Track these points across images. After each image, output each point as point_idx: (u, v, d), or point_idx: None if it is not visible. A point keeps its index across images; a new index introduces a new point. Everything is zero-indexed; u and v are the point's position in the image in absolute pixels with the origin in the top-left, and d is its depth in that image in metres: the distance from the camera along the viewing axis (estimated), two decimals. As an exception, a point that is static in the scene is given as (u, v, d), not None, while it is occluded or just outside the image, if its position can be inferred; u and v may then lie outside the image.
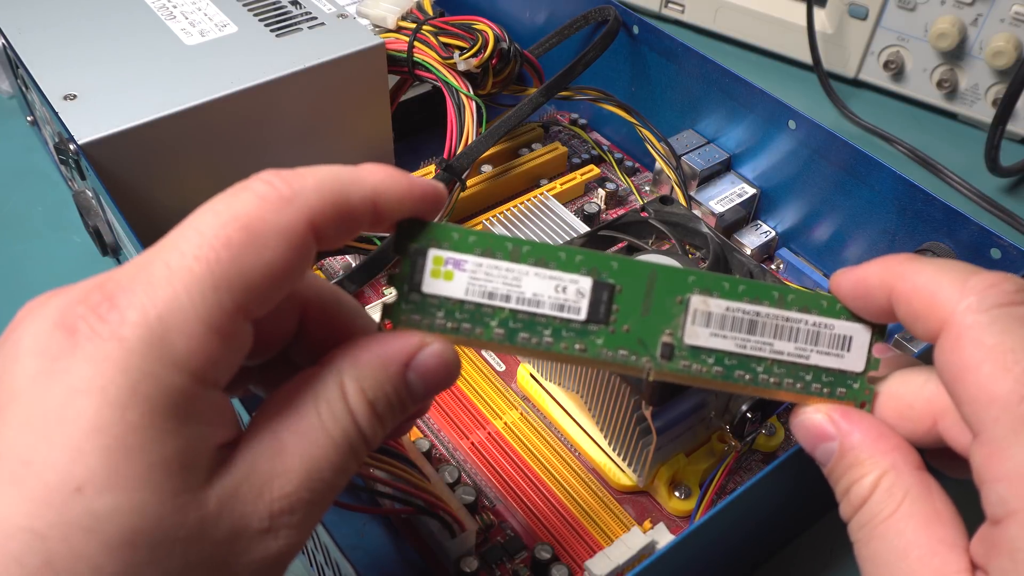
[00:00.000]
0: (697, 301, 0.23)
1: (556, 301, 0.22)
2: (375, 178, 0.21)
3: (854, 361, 0.23)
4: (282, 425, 0.20)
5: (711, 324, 0.23)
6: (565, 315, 0.22)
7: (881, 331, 0.24)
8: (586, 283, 0.22)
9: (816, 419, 0.23)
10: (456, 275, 0.22)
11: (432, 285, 0.22)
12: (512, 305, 0.22)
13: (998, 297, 0.20)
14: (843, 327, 0.23)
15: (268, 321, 0.21)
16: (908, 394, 0.23)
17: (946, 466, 0.24)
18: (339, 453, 0.20)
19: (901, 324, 0.22)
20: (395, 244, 0.22)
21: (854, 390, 0.23)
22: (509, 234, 0.47)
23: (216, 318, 0.18)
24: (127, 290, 0.18)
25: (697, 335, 0.22)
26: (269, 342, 0.23)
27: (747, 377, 0.23)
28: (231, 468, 0.19)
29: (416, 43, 0.47)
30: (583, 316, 0.22)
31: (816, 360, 0.23)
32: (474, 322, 0.22)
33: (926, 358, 0.33)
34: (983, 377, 0.20)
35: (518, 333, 0.22)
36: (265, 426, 0.20)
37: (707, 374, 0.23)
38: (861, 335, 0.23)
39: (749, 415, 0.37)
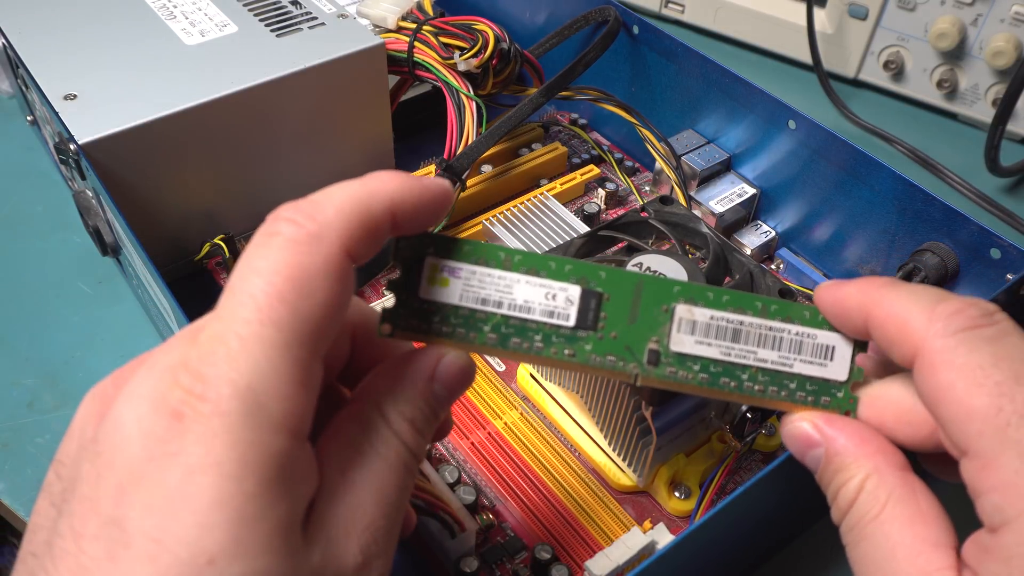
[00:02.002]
0: (682, 310, 0.23)
1: (546, 308, 0.23)
2: (389, 187, 0.22)
3: (837, 370, 0.24)
4: (347, 465, 0.21)
5: (696, 332, 0.23)
6: (555, 321, 0.23)
7: (863, 345, 0.24)
8: (575, 291, 0.23)
9: (802, 427, 0.24)
10: (451, 282, 0.23)
11: (428, 291, 0.23)
12: (504, 311, 0.23)
13: (964, 322, 0.21)
14: (825, 337, 0.24)
15: (328, 354, 0.22)
16: (908, 399, 0.23)
17: (945, 471, 0.24)
18: (397, 474, 0.22)
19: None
20: (394, 253, 0.23)
21: (838, 399, 0.24)
22: (509, 234, 0.47)
23: (298, 373, 0.19)
24: (212, 366, 0.19)
25: (682, 342, 0.23)
26: (330, 373, 0.25)
27: (732, 384, 0.24)
28: (321, 517, 0.20)
29: (416, 43, 0.47)
30: (572, 323, 0.23)
31: (800, 368, 0.24)
32: (468, 327, 0.23)
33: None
34: (959, 395, 0.20)
35: (510, 338, 0.23)
36: (332, 466, 0.21)
37: (693, 380, 0.23)
38: (843, 346, 0.24)
39: (749, 415, 0.37)
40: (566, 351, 0.23)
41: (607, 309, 0.23)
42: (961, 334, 0.21)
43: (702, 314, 0.23)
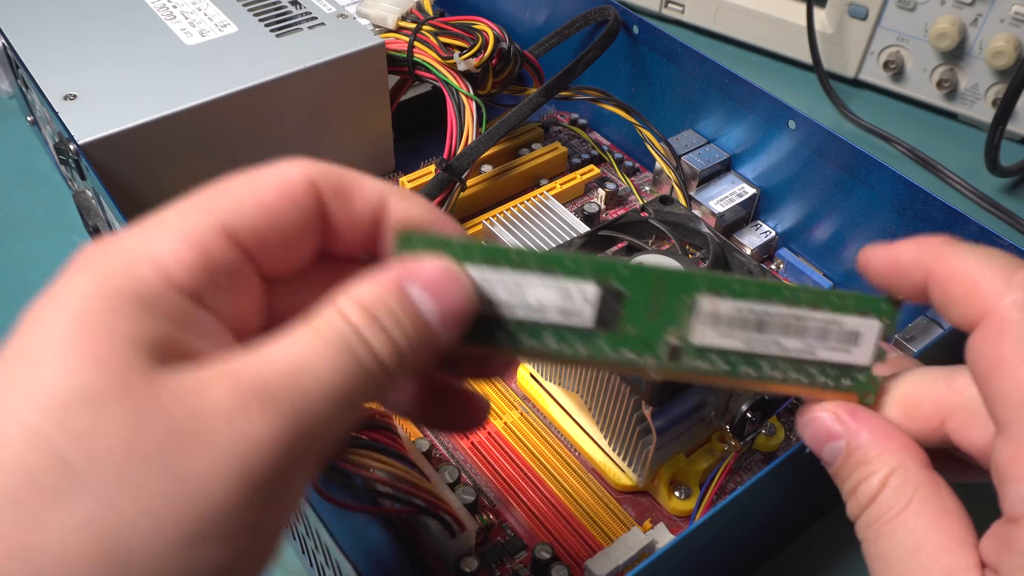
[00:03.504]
0: (705, 302, 0.22)
1: (561, 307, 0.22)
2: (380, 187, 0.22)
3: (861, 355, 0.23)
4: (270, 340, 0.19)
5: (719, 325, 0.22)
6: (570, 321, 0.22)
7: (893, 316, 0.23)
8: (592, 290, 0.22)
9: (823, 418, 0.23)
10: None
11: None
12: (517, 315, 0.22)
13: None
14: (853, 323, 0.23)
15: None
16: (916, 393, 0.23)
17: (946, 470, 0.24)
18: (333, 352, 0.18)
19: (932, 306, 0.22)
20: (396, 254, 0.22)
21: (860, 382, 0.23)
22: (509, 234, 0.47)
23: (192, 231, 0.19)
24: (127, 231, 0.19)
25: (705, 336, 0.22)
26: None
27: (752, 373, 0.23)
28: (203, 359, 0.18)
29: (416, 43, 0.47)
30: (590, 324, 0.22)
31: (823, 356, 0.23)
32: (478, 331, 0.22)
33: (926, 358, 0.33)
34: (1020, 375, 0.19)
35: (522, 340, 0.22)
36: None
37: (712, 371, 0.23)
38: (871, 329, 0.23)
39: (749, 415, 0.37)
40: (582, 351, 0.22)
41: (626, 306, 0.22)
42: None
43: (727, 306, 0.22)
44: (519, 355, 0.23)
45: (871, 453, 0.22)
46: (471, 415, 0.25)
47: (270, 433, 0.17)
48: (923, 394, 0.23)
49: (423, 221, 0.22)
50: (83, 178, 0.40)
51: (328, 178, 0.21)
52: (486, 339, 0.22)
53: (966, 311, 0.21)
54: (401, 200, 0.22)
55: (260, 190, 0.20)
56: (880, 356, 0.23)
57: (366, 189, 0.21)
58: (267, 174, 0.20)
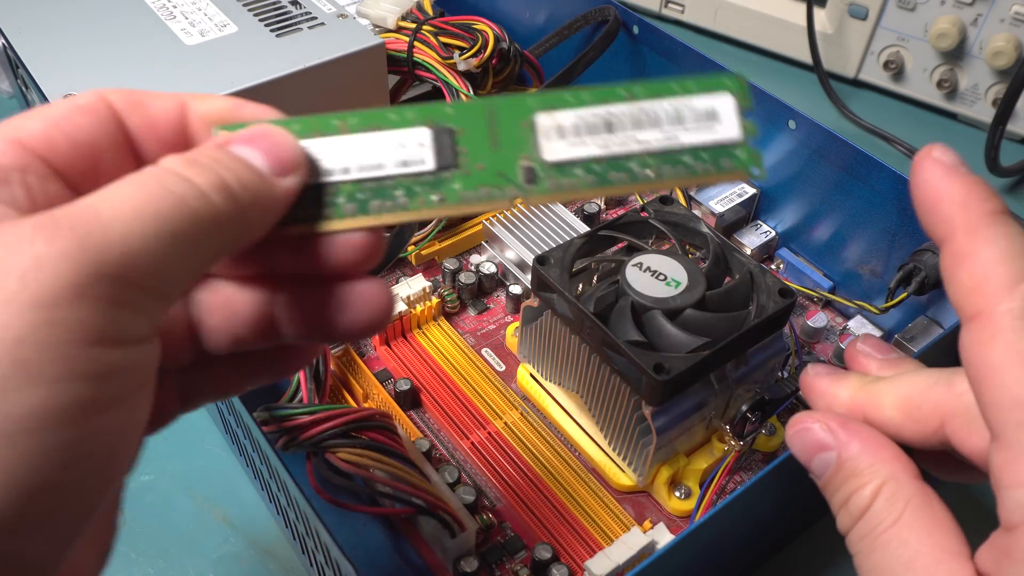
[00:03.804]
0: (544, 119, 0.22)
1: (398, 158, 0.21)
2: (178, 95, 0.21)
3: (728, 130, 0.22)
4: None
5: (566, 135, 0.22)
6: (412, 170, 0.21)
7: (743, 88, 0.22)
8: (424, 133, 0.21)
9: (813, 429, 0.23)
10: None
11: None
12: (353, 176, 0.21)
13: None
14: (703, 102, 0.22)
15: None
16: (916, 396, 0.23)
17: (944, 470, 0.24)
18: (139, 186, 0.18)
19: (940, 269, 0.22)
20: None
21: (740, 159, 0.22)
22: (509, 234, 0.47)
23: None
24: None
25: (555, 150, 0.22)
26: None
27: (623, 176, 0.22)
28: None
29: (416, 43, 0.47)
30: (432, 166, 0.21)
31: (688, 139, 0.22)
32: (320, 205, 0.21)
33: (926, 359, 0.33)
34: (1010, 380, 0.19)
35: (369, 202, 0.21)
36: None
37: (580, 184, 0.22)
38: (725, 103, 0.22)
39: (749, 415, 0.37)
40: (434, 197, 0.21)
41: (464, 143, 0.21)
42: None
43: (566, 117, 0.22)
44: (370, 220, 0.21)
45: (862, 464, 0.22)
46: (363, 309, 0.23)
47: (49, 252, 0.16)
48: (923, 397, 0.23)
49: (227, 111, 0.22)
50: (83, 178, 0.40)
51: (121, 94, 0.21)
52: (330, 210, 0.21)
53: (965, 301, 0.21)
54: (202, 100, 0.22)
55: (48, 107, 0.20)
56: (751, 129, 0.22)
57: (162, 97, 0.21)
58: (59, 100, 0.20)
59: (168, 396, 0.23)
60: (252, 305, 0.22)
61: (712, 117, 0.22)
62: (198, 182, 0.18)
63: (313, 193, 0.21)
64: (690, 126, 0.22)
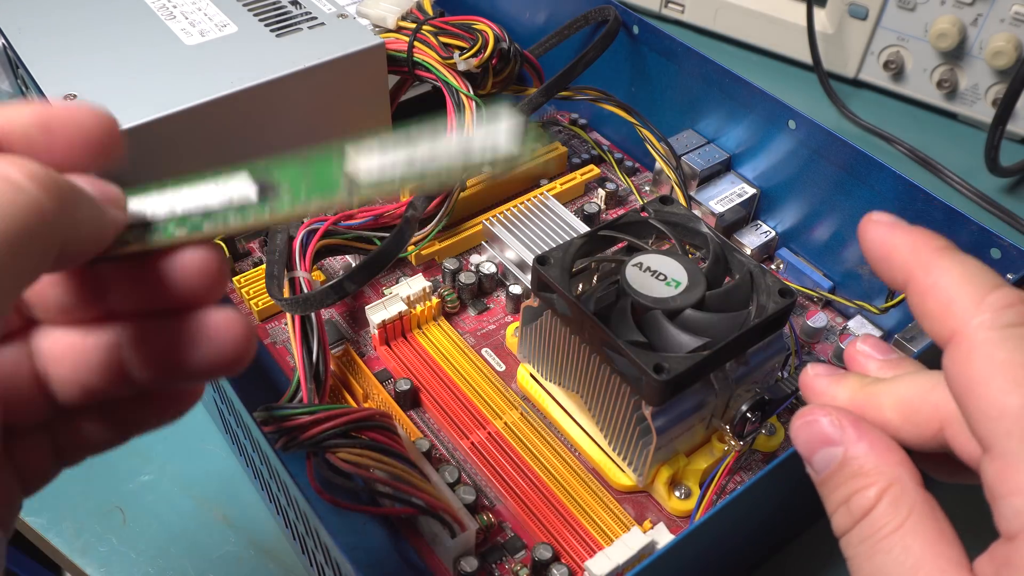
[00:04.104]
0: (356, 164, 0.22)
1: (223, 196, 0.21)
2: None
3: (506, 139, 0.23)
4: None
5: (380, 168, 0.22)
6: (238, 202, 0.21)
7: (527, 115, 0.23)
8: (244, 177, 0.22)
9: (822, 422, 0.23)
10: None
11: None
12: (179, 212, 0.22)
13: (1014, 317, 0.20)
14: (491, 129, 0.23)
15: None
16: (915, 399, 0.23)
17: (943, 472, 0.24)
18: None
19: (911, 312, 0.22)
20: None
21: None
22: (509, 234, 0.47)
23: None
24: None
25: (371, 173, 0.22)
26: None
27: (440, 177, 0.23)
28: None
29: (416, 43, 0.47)
30: (256, 197, 0.21)
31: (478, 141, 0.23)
32: (151, 231, 0.21)
33: (926, 358, 0.33)
34: (993, 391, 0.19)
35: (202, 224, 0.21)
36: None
37: (400, 181, 0.22)
38: (510, 120, 0.23)
39: (749, 415, 0.37)
40: (265, 211, 0.21)
41: (289, 184, 0.22)
42: (1009, 330, 0.20)
43: (375, 160, 0.22)
44: (204, 234, 0.21)
45: (868, 465, 0.22)
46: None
47: None
48: (922, 400, 0.22)
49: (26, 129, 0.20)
50: (83, 178, 0.40)
51: None
52: (161, 231, 0.21)
53: (937, 328, 0.21)
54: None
55: None
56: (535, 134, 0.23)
57: None
58: None
59: (38, 454, 0.22)
60: (98, 351, 0.21)
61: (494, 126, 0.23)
62: (8, 172, 0.17)
63: (142, 225, 0.21)
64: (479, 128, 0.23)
